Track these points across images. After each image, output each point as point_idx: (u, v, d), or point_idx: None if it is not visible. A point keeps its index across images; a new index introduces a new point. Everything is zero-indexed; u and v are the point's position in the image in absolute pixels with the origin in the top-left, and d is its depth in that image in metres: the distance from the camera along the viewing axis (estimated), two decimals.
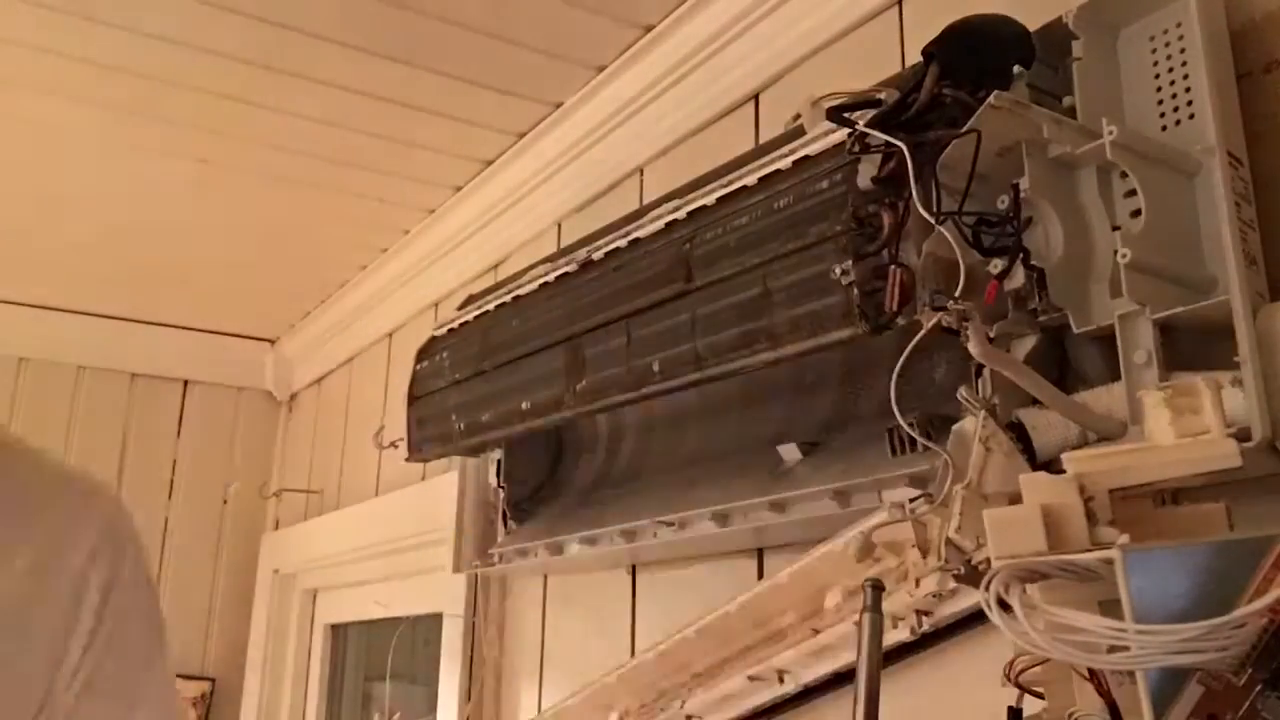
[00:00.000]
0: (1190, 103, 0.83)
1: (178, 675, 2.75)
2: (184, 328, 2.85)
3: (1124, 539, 0.57)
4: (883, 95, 0.85)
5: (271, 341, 3.03)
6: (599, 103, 1.64)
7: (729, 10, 1.38)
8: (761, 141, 1.38)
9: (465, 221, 2.07)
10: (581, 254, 1.30)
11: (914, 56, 0.98)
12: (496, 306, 1.46)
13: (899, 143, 0.80)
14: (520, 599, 1.76)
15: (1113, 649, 0.54)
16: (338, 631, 2.70)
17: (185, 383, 2.94)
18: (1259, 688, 0.54)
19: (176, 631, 2.78)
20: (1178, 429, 0.61)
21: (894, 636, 0.96)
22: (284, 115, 1.77)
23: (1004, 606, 0.59)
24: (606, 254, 1.25)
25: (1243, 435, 0.70)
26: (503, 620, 1.79)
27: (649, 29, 1.49)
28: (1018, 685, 0.66)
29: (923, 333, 0.77)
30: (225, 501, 2.95)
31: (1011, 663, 0.65)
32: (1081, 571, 0.58)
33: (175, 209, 2.16)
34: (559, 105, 1.70)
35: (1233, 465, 0.60)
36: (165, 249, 2.38)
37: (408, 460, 1.58)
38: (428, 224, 2.17)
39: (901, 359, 0.79)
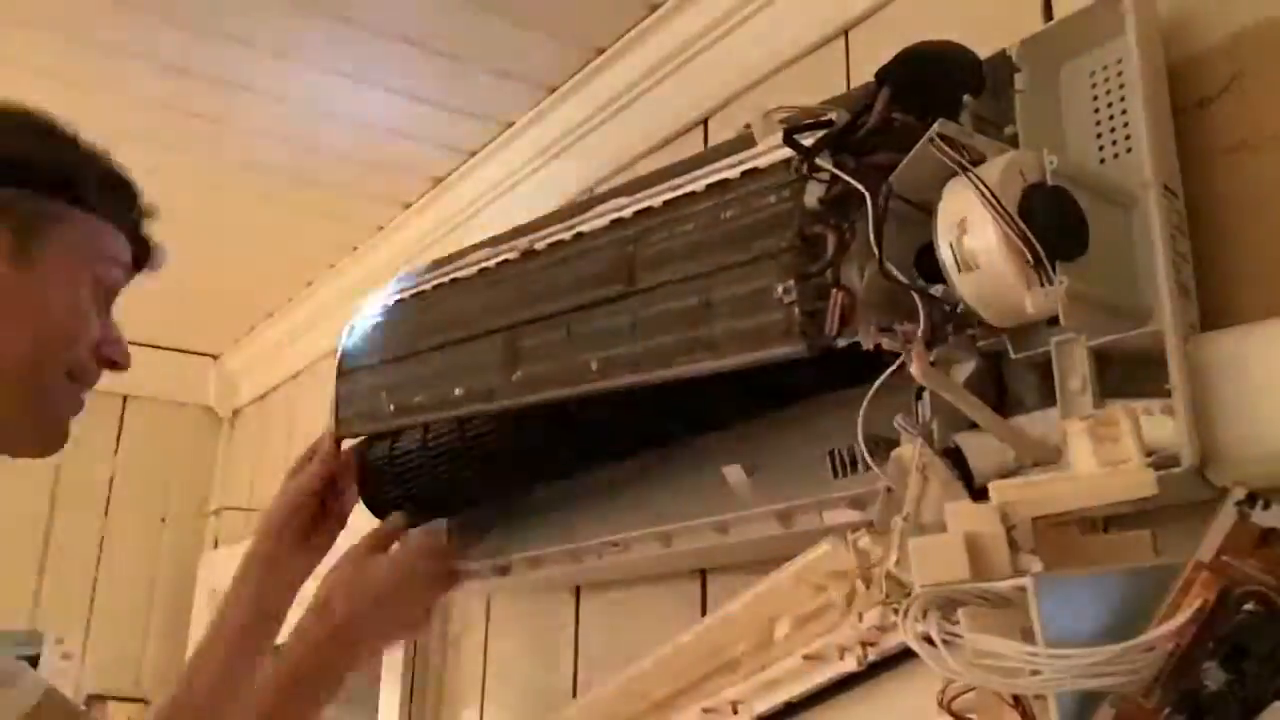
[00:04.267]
0: (1128, 136, 0.85)
1: (111, 698, 2.69)
2: None
3: (1038, 567, 0.59)
4: (833, 115, 0.85)
5: (215, 356, 2.98)
6: (549, 123, 1.64)
7: (678, 36, 1.39)
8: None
9: (414, 239, 2.06)
10: (523, 242, 1.27)
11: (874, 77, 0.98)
12: (434, 287, 1.43)
13: (857, 184, 0.81)
14: (463, 619, 1.74)
15: (1033, 673, 0.55)
16: (279, 653, 2.65)
17: (124, 398, 2.88)
18: (1167, 710, 0.55)
19: (111, 653, 2.73)
20: (1099, 458, 0.62)
21: (840, 668, 0.96)
22: (233, 129, 1.75)
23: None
24: (549, 245, 1.24)
25: (1172, 462, 0.71)
26: (444, 641, 1.77)
27: (600, 51, 1.50)
28: (950, 712, 0.66)
29: (890, 370, 0.78)
30: (163, 520, 2.90)
31: (943, 690, 0.65)
32: (997, 599, 0.59)
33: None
34: (510, 125, 1.70)
35: (1149, 494, 0.61)
36: None
37: (334, 437, 1.49)
38: (376, 241, 2.16)
39: (869, 395, 0.81)
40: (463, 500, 1.45)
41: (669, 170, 1.13)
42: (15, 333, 0.89)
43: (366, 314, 1.54)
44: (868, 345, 0.81)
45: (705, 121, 1.42)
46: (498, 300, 1.26)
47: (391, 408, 1.41)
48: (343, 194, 1.98)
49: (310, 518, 1.34)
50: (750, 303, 0.91)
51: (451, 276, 1.39)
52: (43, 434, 0.93)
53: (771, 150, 0.97)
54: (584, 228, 1.19)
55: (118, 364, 0.98)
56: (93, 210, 0.97)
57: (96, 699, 2.69)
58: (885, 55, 0.89)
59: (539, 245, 1.24)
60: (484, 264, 1.33)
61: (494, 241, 1.37)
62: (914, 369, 0.74)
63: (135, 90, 1.64)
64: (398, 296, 1.50)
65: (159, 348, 2.88)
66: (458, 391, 1.28)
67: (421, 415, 1.36)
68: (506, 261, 1.29)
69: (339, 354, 1.53)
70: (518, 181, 1.76)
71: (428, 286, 1.43)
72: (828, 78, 1.22)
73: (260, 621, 1.29)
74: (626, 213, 1.14)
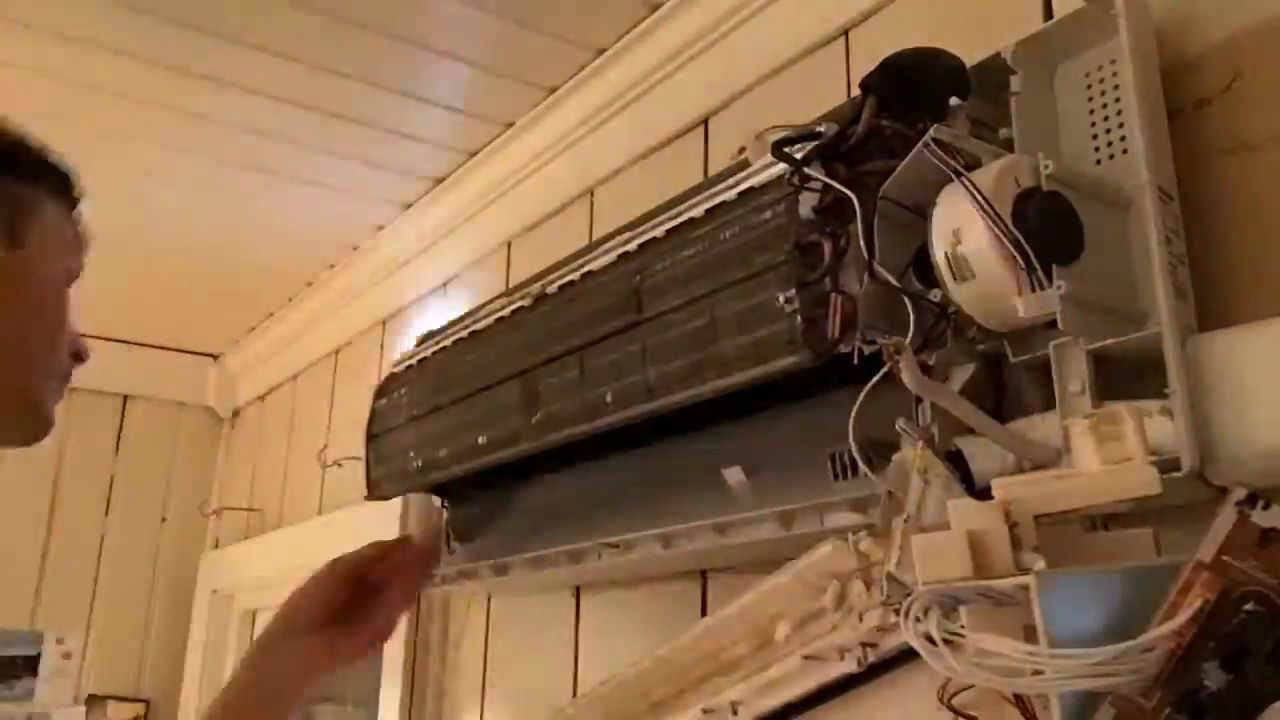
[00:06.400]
0: (1124, 138, 0.85)
1: (111, 698, 2.69)
2: (125, 341, 2.80)
3: (1041, 564, 0.58)
4: (823, 128, 0.86)
5: (215, 356, 2.98)
6: (550, 124, 1.65)
7: (679, 36, 1.39)
8: (710, 165, 1.40)
9: (414, 239, 2.06)
10: (536, 288, 1.30)
11: (858, 86, 0.99)
12: (454, 342, 1.45)
13: (845, 190, 0.82)
14: (463, 620, 1.74)
15: (1035, 673, 0.55)
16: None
17: (125, 398, 2.89)
18: (1167, 710, 0.55)
19: (111, 653, 2.73)
20: (1102, 456, 0.62)
21: (839, 669, 0.96)
22: (233, 129, 1.75)
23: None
24: (560, 287, 1.26)
25: (1172, 465, 0.71)
26: (445, 641, 1.77)
27: (601, 51, 1.50)
28: (951, 709, 0.66)
29: (876, 378, 0.78)
30: (163, 520, 2.90)
31: (944, 687, 0.66)
32: (998, 596, 0.59)
33: (118, 220, 2.13)
34: (510, 125, 1.70)
35: (1153, 492, 0.61)
36: (106, 260, 2.34)
37: (367, 499, 1.55)
38: (376, 241, 2.16)
39: (859, 400, 0.81)
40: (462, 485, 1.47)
41: (671, 202, 1.14)
42: (8, 315, 0.86)
43: (391, 378, 1.57)
44: (845, 349, 0.82)
45: (705, 121, 1.43)
46: (515, 347, 1.28)
47: (419, 464, 1.43)
48: (343, 194, 1.98)
49: (342, 603, 1.06)
50: (754, 316, 0.91)
51: (470, 330, 1.42)
52: (30, 420, 0.89)
53: (766, 169, 0.97)
54: (592, 266, 1.20)
55: (81, 357, 0.95)
56: (54, 196, 0.94)
57: (96, 699, 2.69)
58: (884, 55, 0.89)
59: (550, 289, 1.26)
60: (499, 314, 1.36)
61: (509, 291, 1.40)
62: (905, 378, 0.74)
63: (136, 91, 1.64)
64: (420, 356, 1.52)
65: (159, 348, 2.88)
66: (481, 440, 1.30)
67: (448, 468, 1.38)
68: (521, 309, 1.31)
69: (368, 419, 1.56)
70: (518, 181, 1.76)
71: (448, 342, 1.46)
72: (828, 78, 1.23)
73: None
74: (632, 246, 1.15)
